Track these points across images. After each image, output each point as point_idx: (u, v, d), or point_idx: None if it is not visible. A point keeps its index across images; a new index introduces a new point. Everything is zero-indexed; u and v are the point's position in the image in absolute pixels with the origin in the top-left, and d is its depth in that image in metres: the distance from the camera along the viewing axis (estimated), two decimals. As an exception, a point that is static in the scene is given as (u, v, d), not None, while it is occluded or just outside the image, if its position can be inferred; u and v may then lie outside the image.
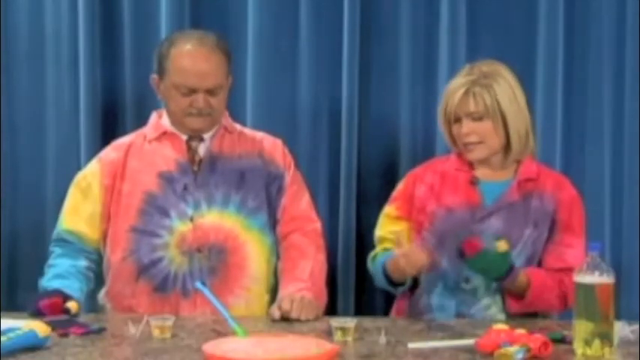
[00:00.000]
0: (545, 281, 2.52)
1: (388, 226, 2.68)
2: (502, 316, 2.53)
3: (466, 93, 2.55)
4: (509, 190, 2.59)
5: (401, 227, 2.64)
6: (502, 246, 2.39)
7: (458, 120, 2.58)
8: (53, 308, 2.42)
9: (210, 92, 2.62)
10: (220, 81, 2.64)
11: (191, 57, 2.61)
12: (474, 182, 2.62)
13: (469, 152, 2.60)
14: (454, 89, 2.58)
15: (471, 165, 2.64)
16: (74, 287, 2.58)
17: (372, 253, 2.72)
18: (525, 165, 2.61)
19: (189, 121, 2.65)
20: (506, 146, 2.59)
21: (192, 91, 2.61)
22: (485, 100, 2.54)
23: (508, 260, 2.44)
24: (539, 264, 2.59)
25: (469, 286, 2.55)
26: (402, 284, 2.60)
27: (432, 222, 2.61)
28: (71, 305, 2.44)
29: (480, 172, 2.63)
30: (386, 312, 2.90)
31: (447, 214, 2.60)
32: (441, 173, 2.66)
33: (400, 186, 2.73)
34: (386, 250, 2.65)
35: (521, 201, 2.58)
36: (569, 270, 2.49)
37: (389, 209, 2.71)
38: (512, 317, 2.51)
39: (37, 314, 2.39)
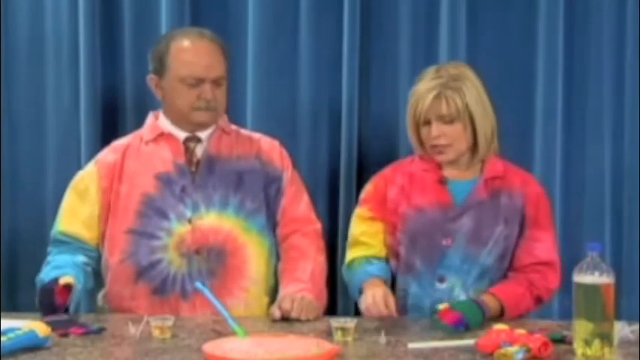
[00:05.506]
0: (516, 293, 2.52)
1: (361, 227, 2.67)
2: None
3: (437, 96, 2.54)
4: (477, 189, 2.60)
5: (375, 228, 2.65)
6: (441, 306, 2.35)
7: (427, 122, 2.58)
8: (61, 293, 2.40)
9: (216, 83, 2.64)
10: (223, 72, 2.66)
11: (194, 49, 2.64)
12: (443, 182, 2.62)
13: (438, 154, 2.60)
14: (424, 92, 2.56)
15: (437, 165, 2.63)
16: (71, 274, 2.51)
17: (347, 260, 2.68)
18: (491, 163, 2.62)
19: (197, 115, 2.64)
20: (473, 147, 2.60)
21: (199, 82, 2.61)
22: (457, 104, 2.54)
23: (473, 307, 2.39)
24: (511, 260, 2.59)
25: (444, 285, 2.55)
26: None
27: (403, 222, 2.62)
28: (66, 280, 2.41)
29: (447, 172, 2.63)
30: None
31: (418, 214, 2.60)
32: (409, 174, 2.66)
33: (369, 187, 2.72)
34: (363, 259, 2.62)
35: (490, 199, 2.59)
36: (539, 264, 2.56)
37: (361, 211, 2.69)
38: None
39: (53, 309, 2.36)
